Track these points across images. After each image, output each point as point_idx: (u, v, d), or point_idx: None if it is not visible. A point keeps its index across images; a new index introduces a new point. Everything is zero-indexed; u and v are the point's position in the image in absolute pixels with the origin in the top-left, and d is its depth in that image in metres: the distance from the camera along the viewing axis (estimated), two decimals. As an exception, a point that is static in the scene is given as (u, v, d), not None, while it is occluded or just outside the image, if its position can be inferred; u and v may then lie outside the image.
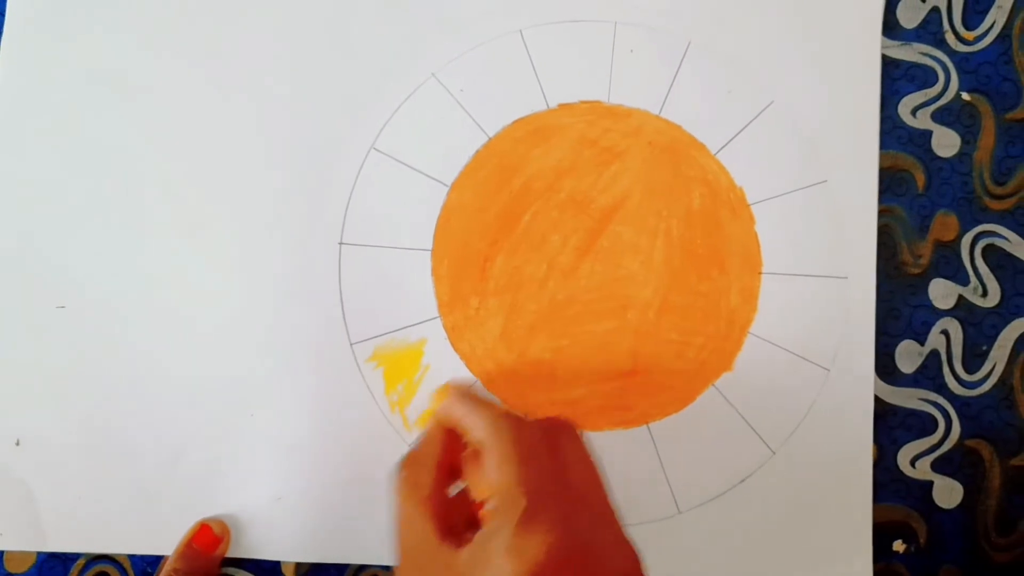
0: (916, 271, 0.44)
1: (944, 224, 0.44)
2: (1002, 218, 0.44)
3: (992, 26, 0.45)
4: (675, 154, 0.44)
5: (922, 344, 0.44)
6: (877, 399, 0.43)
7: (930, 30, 0.45)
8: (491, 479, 0.32)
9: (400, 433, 0.43)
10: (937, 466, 0.43)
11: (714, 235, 0.44)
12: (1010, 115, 0.45)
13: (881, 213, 0.44)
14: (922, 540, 0.43)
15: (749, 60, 0.44)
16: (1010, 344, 0.44)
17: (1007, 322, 0.44)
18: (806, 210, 0.44)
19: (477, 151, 0.44)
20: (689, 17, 0.44)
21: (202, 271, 0.43)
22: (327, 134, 0.44)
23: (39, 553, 0.43)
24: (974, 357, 0.44)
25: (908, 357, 0.44)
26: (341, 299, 0.43)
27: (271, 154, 0.44)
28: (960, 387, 0.44)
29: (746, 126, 0.44)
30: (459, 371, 0.43)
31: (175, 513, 0.42)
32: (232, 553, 0.42)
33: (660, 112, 0.44)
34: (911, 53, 0.45)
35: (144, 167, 0.44)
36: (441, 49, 0.44)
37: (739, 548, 0.43)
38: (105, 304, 0.43)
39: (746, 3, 0.45)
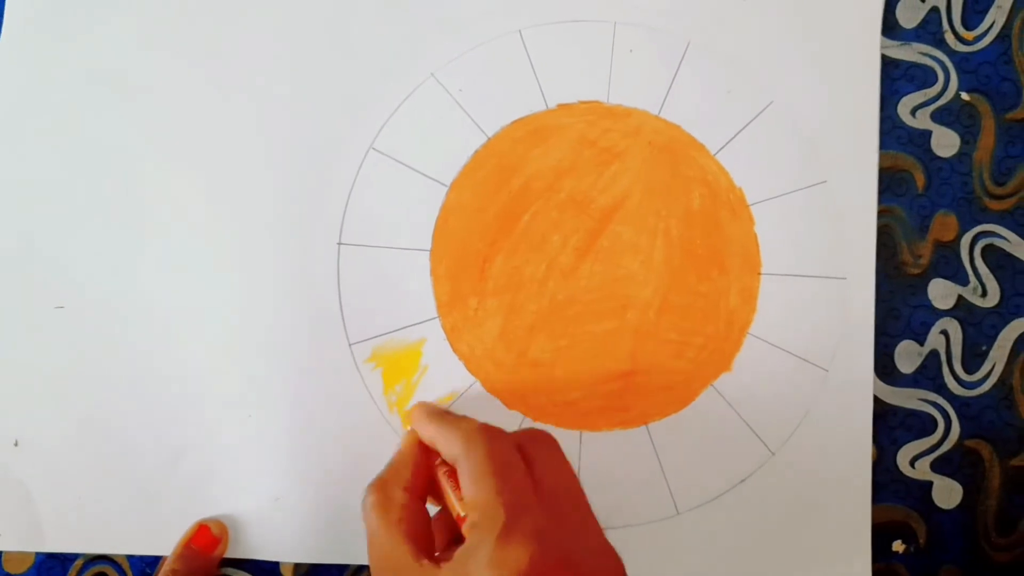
0: (916, 271, 0.44)
1: (944, 224, 0.44)
2: (1002, 218, 0.44)
3: (992, 26, 0.45)
4: (674, 154, 0.44)
5: (921, 344, 0.44)
6: (876, 399, 0.43)
7: (929, 30, 0.45)
8: (468, 494, 0.32)
9: (399, 433, 0.43)
10: (937, 466, 0.43)
11: (714, 235, 0.44)
12: (1010, 115, 0.45)
13: (881, 213, 0.44)
14: (922, 540, 0.43)
15: (748, 60, 0.44)
16: (1009, 344, 0.44)
17: (1007, 322, 0.44)
18: (805, 210, 0.44)
19: (476, 151, 0.44)
20: (689, 17, 0.44)
21: (201, 271, 0.43)
22: (326, 134, 0.44)
23: (38, 553, 0.43)
24: (974, 357, 0.44)
25: (907, 357, 0.44)
26: (340, 299, 0.43)
27: (270, 154, 0.44)
28: (960, 387, 0.44)
29: (745, 126, 0.44)
30: (458, 372, 0.43)
31: (174, 513, 0.42)
32: (231, 553, 0.42)
33: (659, 112, 0.44)
34: (911, 53, 0.45)
35: (143, 167, 0.44)
36: (440, 49, 0.44)
37: (738, 549, 0.42)
38: (104, 304, 0.43)
39: (745, 3, 0.45)
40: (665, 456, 0.43)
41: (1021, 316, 0.44)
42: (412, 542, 0.32)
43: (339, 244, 0.43)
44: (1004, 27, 0.45)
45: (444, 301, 0.43)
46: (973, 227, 0.44)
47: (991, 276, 0.44)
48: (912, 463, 0.43)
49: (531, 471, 0.33)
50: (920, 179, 0.44)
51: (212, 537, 0.42)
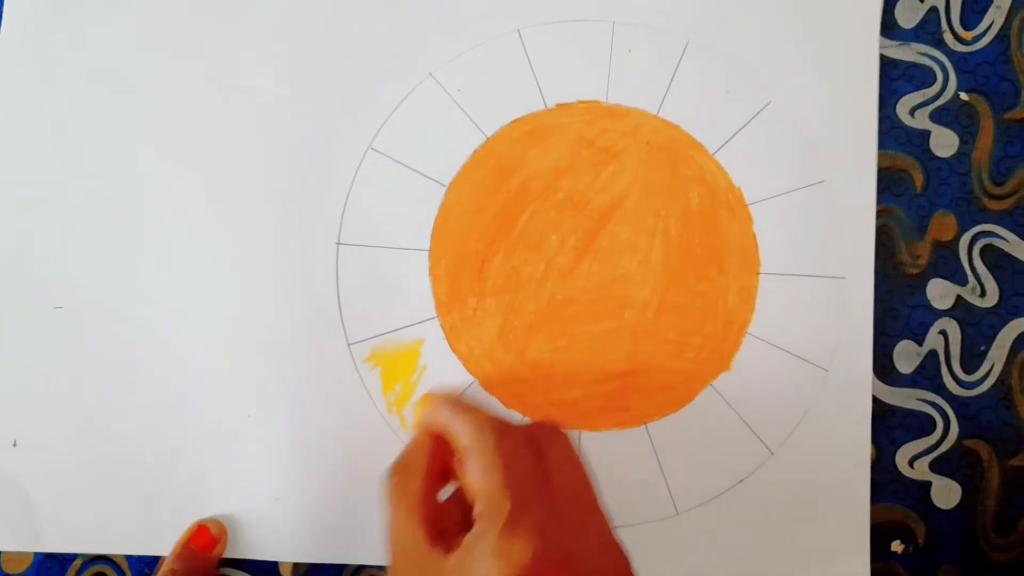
0: (914, 271, 0.44)
1: (942, 224, 0.44)
2: (1000, 218, 0.44)
3: (990, 26, 0.45)
4: (673, 154, 0.44)
5: (920, 344, 0.44)
6: (875, 399, 0.43)
7: (928, 30, 0.45)
8: (476, 485, 0.32)
9: (398, 433, 0.43)
10: (935, 466, 0.43)
11: (712, 235, 0.44)
12: (1008, 115, 0.45)
13: (879, 213, 0.44)
14: (920, 540, 0.43)
15: (747, 60, 0.44)
16: (1008, 344, 0.44)
17: (1005, 322, 0.44)
18: (804, 210, 0.44)
19: (475, 151, 0.44)
20: (687, 17, 0.44)
21: (199, 271, 0.43)
22: (325, 134, 0.44)
23: (36, 554, 0.43)
24: (972, 357, 0.44)
25: (906, 357, 0.44)
26: (339, 299, 0.43)
27: (269, 154, 0.44)
28: (958, 387, 0.44)
29: (744, 126, 0.44)
30: (457, 371, 0.43)
31: (173, 513, 0.42)
32: (230, 553, 0.42)
33: (658, 112, 0.44)
34: (909, 53, 0.45)
35: (143, 167, 0.44)
36: (439, 49, 0.44)
37: (737, 548, 0.42)
38: (103, 304, 0.43)
39: (744, 3, 0.45)
40: (664, 456, 0.43)
41: (1020, 316, 0.44)
42: (427, 528, 0.32)
43: (338, 244, 0.43)
44: (1003, 27, 0.45)
45: (443, 301, 0.43)
46: (972, 227, 0.44)
47: (990, 276, 0.44)
48: (911, 463, 0.43)
49: (540, 465, 0.33)
50: (919, 179, 0.44)
51: (211, 537, 0.42)
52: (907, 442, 0.43)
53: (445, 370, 0.43)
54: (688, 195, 0.44)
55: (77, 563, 0.43)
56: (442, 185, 0.44)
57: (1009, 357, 0.44)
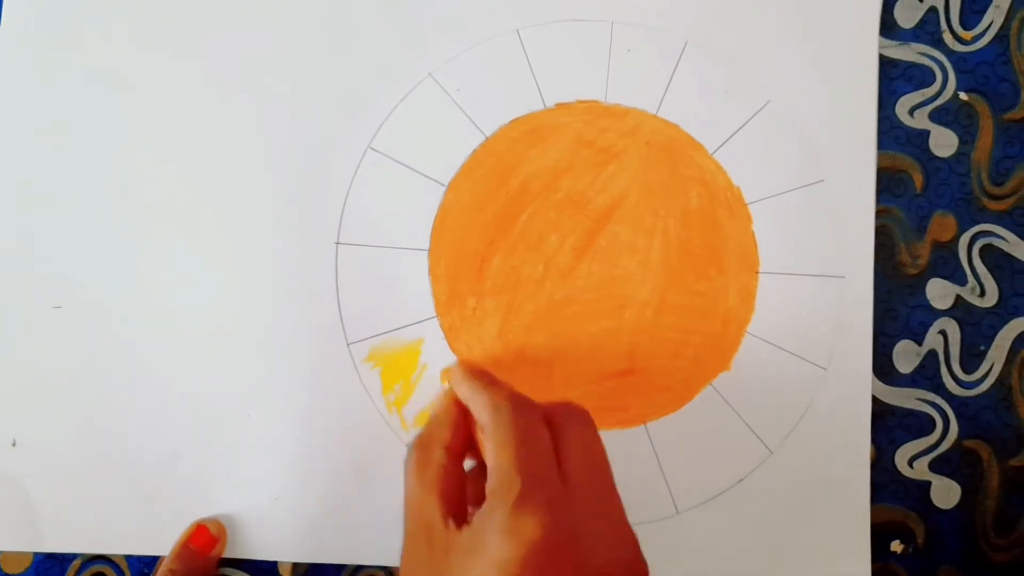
0: (914, 271, 0.44)
1: (942, 224, 0.44)
2: (1000, 218, 0.44)
3: (990, 26, 0.45)
4: (672, 153, 0.44)
5: (920, 344, 0.44)
6: (875, 399, 0.43)
7: (928, 30, 0.45)
8: (490, 462, 0.32)
9: (397, 433, 0.43)
10: (935, 466, 0.43)
11: (711, 234, 0.44)
12: (1008, 115, 0.45)
13: (879, 213, 0.44)
14: (920, 540, 0.43)
15: (746, 59, 0.44)
16: (1008, 344, 0.44)
17: (1005, 322, 0.44)
18: (803, 210, 0.44)
19: (474, 151, 0.44)
20: (686, 17, 0.44)
21: (199, 271, 0.43)
22: (324, 134, 0.44)
23: (35, 554, 0.43)
24: (972, 357, 0.44)
25: (906, 357, 0.44)
26: (338, 299, 0.43)
27: (268, 153, 0.44)
28: (958, 387, 0.44)
29: (743, 125, 0.44)
30: (456, 371, 0.43)
31: (172, 513, 0.42)
32: (229, 553, 0.42)
33: (657, 111, 0.44)
34: (909, 53, 0.45)
35: (142, 167, 0.44)
36: (438, 49, 0.44)
37: (737, 548, 0.42)
38: (102, 304, 0.43)
39: (743, 3, 0.45)
40: (664, 455, 0.43)
41: (1019, 316, 0.44)
42: (444, 502, 0.33)
43: (337, 244, 0.43)
44: (1002, 27, 0.45)
45: (442, 301, 0.43)
46: (971, 227, 0.44)
47: (989, 276, 0.44)
48: (910, 463, 0.43)
49: (558, 444, 0.33)
50: (918, 179, 0.44)
51: (210, 537, 0.42)
52: (907, 442, 0.43)
53: (444, 370, 0.43)
54: (687, 195, 0.44)
55: (76, 563, 0.43)
56: (441, 185, 0.44)
57: (1009, 357, 0.44)
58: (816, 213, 0.44)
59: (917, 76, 0.45)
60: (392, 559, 0.42)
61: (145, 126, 0.44)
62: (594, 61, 0.44)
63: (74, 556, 0.43)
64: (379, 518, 0.42)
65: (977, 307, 0.44)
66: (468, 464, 0.36)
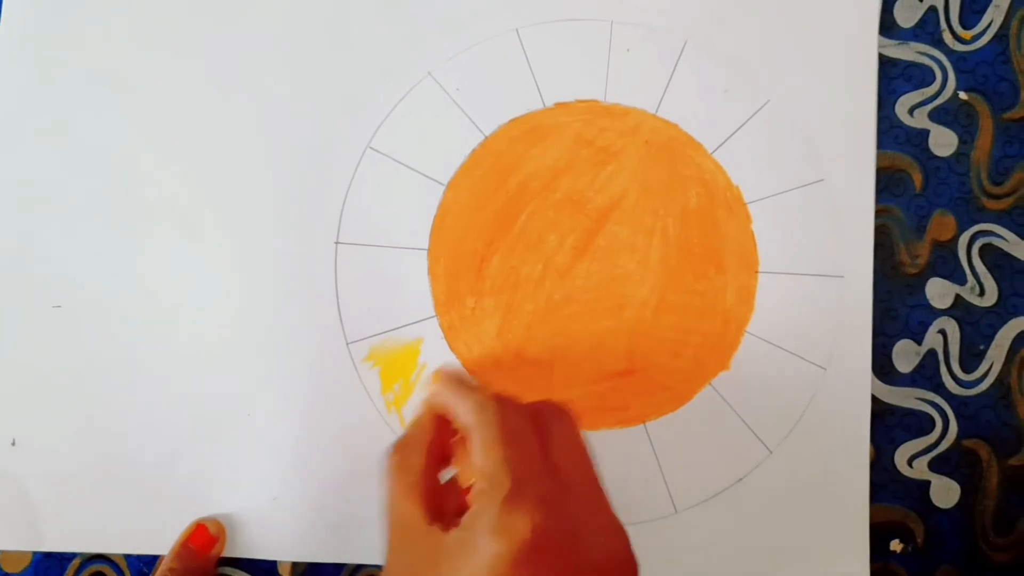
0: (913, 271, 0.44)
1: (941, 224, 0.44)
2: (999, 218, 0.44)
3: (989, 25, 0.45)
4: (672, 153, 0.44)
5: (919, 344, 0.44)
6: (874, 398, 0.43)
7: (927, 29, 0.45)
8: (477, 462, 0.32)
9: (397, 432, 0.43)
10: (934, 466, 0.43)
11: (711, 234, 0.44)
12: (1008, 115, 0.45)
13: (878, 213, 0.44)
14: (919, 540, 0.43)
15: (746, 59, 0.44)
16: (1007, 343, 0.44)
17: (1004, 321, 0.44)
18: (803, 209, 0.44)
19: (473, 150, 0.44)
20: (686, 16, 0.44)
21: (198, 270, 0.44)
22: (324, 133, 0.44)
23: (35, 553, 0.43)
24: (971, 357, 0.44)
25: (905, 357, 0.44)
26: (337, 298, 0.43)
27: (268, 153, 0.44)
28: (957, 387, 0.44)
29: (743, 125, 0.44)
30: (456, 370, 0.43)
31: (171, 513, 0.42)
32: (228, 553, 0.42)
33: (657, 111, 0.44)
34: (908, 52, 0.45)
35: (142, 167, 0.44)
36: (438, 48, 0.44)
37: (736, 547, 0.42)
38: (102, 304, 0.43)
39: (743, 2, 0.45)
40: (663, 455, 0.43)
41: (1019, 315, 0.44)
42: (425, 506, 0.32)
43: (336, 243, 0.44)
44: (1002, 26, 0.45)
45: (441, 300, 0.43)
46: (971, 226, 0.44)
47: (989, 275, 0.44)
48: (910, 462, 0.43)
49: (542, 442, 0.33)
50: (918, 178, 0.44)
51: (210, 536, 0.42)
52: (906, 441, 0.43)
53: (444, 369, 0.43)
54: (687, 194, 0.44)
55: (76, 562, 0.43)
56: (441, 184, 0.44)
57: (1008, 356, 0.44)
58: (816, 213, 0.44)
59: (917, 75, 0.45)
60: (392, 558, 0.42)
61: (145, 126, 0.44)
62: (593, 61, 0.44)
63: (74, 555, 0.43)
64: (378, 517, 0.42)
65: (976, 306, 0.44)
66: (445, 475, 0.36)
